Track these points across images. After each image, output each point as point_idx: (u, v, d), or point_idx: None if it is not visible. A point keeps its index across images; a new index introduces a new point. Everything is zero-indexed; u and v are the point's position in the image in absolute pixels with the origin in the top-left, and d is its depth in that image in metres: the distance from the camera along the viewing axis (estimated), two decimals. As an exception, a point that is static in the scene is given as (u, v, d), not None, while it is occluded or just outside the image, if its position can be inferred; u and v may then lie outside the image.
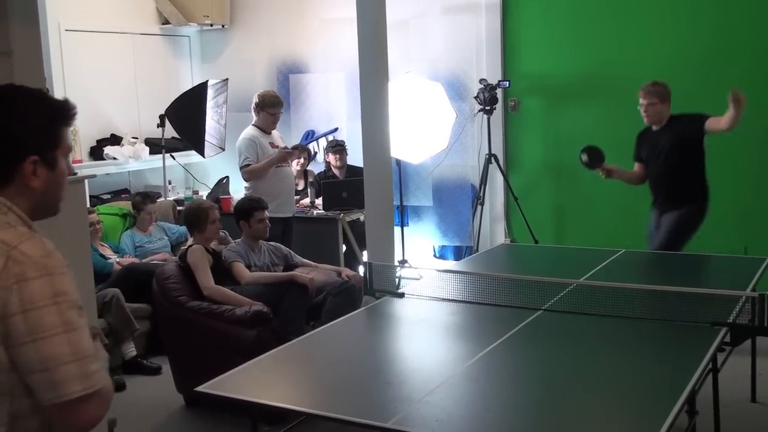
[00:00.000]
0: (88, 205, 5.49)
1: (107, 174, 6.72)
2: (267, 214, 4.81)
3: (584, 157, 5.04)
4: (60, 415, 1.47)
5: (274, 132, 5.88)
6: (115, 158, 6.71)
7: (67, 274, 1.51)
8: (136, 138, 7.00)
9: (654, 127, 5.04)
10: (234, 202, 6.37)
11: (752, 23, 5.66)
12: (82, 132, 6.64)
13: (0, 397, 1.47)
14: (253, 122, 5.76)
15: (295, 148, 6.14)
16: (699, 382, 2.65)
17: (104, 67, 6.93)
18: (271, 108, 5.68)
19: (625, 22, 6.08)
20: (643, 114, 5.03)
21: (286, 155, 5.67)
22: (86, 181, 4.61)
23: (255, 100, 5.74)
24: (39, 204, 1.61)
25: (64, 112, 1.62)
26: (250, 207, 4.81)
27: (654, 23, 5.98)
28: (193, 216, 4.68)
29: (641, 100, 5.01)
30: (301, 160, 6.50)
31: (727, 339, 3.00)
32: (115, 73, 7.04)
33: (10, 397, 1.48)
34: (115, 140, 6.88)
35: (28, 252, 1.47)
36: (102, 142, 6.82)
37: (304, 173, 6.67)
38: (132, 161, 6.81)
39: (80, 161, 6.46)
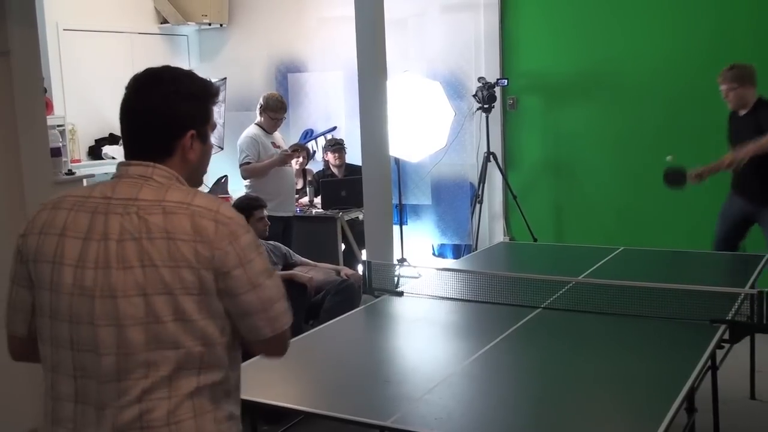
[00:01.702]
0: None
1: (106, 173, 6.69)
2: (266, 212, 4.80)
3: (671, 183, 4.89)
4: (273, 345, 1.72)
5: (277, 132, 5.89)
6: (113, 158, 6.70)
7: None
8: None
9: (740, 112, 4.81)
10: (233, 201, 6.39)
11: (752, 21, 5.66)
12: (81, 131, 6.64)
13: (217, 345, 1.62)
14: (256, 121, 5.77)
15: (294, 147, 6.14)
16: (698, 380, 2.65)
17: (102, 67, 6.93)
18: (273, 112, 5.69)
19: (623, 20, 6.08)
20: (725, 98, 4.84)
21: (286, 158, 5.67)
22: (84, 180, 4.61)
23: (260, 101, 5.75)
24: (191, 176, 1.74)
25: (212, 90, 1.76)
26: (249, 206, 4.81)
27: (652, 21, 5.97)
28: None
29: (720, 86, 4.83)
30: (300, 159, 6.50)
31: (726, 336, 3.01)
32: (113, 73, 7.02)
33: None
34: (113, 140, 6.88)
35: (229, 213, 1.62)
36: (100, 142, 6.82)
37: (303, 172, 6.67)
38: (130, 160, 6.80)
39: (78, 161, 6.47)
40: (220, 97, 6.90)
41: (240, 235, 1.60)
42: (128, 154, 1.69)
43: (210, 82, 1.77)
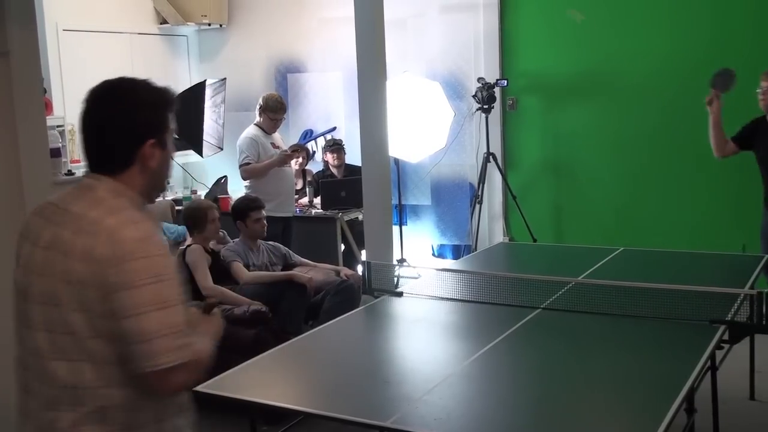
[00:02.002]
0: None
1: (105, 174, 6.71)
2: (264, 213, 4.80)
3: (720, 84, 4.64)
4: (152, 383, 1.63)
5: (276, 133, 5.89)
6: (113, 158, 6.69)
7: (165, 256, 1.66)
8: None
9: (763, 107, 4.56)
10: (233, 202, 6.38)
11: (750, 21, 5.66)
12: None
13: (108, 366, 1.62)
14: (255, 122, 5.77)
15: (294, 148, 6.13)
16: (697, 380, 2.65)
17: (102, 67, 6.91)
18: (272, 113, 5.69)
19: (622, 20, 6.08)
20: (762, 100, 4.53)
21: (286, 158, 5.67)
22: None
23: (260, 101, 5.75)
24: (153, 182, 1.77)
25: (169, 97, 1.78)
26: (246, 207, 4.82)
27: (652, 21, 5.98)
28: (193, 216, 4.69)
29: (763, 83, 4.52)
30: (300, 160, 6.50)
31: (726, 337, 3.01)
32: (112, 73, 6.86)
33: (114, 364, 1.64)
34: (113, 140, 6.87)
35: (132, 235, 1.61)
36: (100, 142, 6.81)
37: (303, 173, 6.67)
38: (129, 161, 6.80)
39: (78, 161, 6.45)
40: (219, 98, 6.90)
41: (134, 258, 1.58)
42: (88, 165, 1.75)
43: (167, 89, 1.78)
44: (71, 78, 6.58)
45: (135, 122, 1.70)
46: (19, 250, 1.73)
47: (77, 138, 6.53)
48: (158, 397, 1.69)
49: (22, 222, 1.78)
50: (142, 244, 1.61)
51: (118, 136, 1.70)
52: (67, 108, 6.50)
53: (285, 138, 6.51)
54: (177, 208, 6.41)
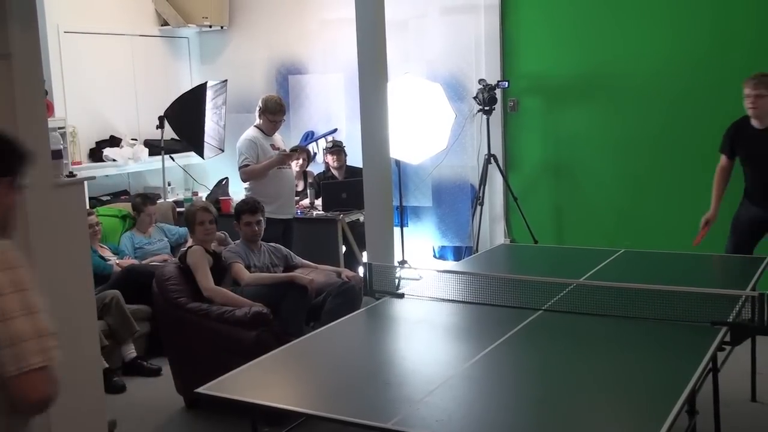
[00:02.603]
0: (88, 207, 5.49)
1: (106, 176, 6.72)
2: (259, 218, 4.77)
3: None
4: (21, 386, 1.69)
5: (276, 134, 5.89)
6: (114, 160, 6.71)
7: (25, 268, 1.77)
8: (136, 139, 7.00)
9: (755, 123, 4.68)
10: (234, 203, 6.38)
11: (751, 23, 5.66)
12: (81, 134, 6.64)
13: None
14: (255, 123, 5.77)
15: (294, 149, 6.13)
16: (699, 382, 2.65)
17: (103, 69, 6.93)
18: (272, 114, 5.69)
19: (623, 22, 6.08)
20: (749, 107, 4.65)
21: (285, 158, 5.67)
22: (86, 182, 4.61)
23: (259, 104, 5.74)
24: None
25: (14, 149, 1.93)
26: (239, 209, 4.83)
27: (653, 23, 5.98)
28: (185, 218, 4.82)
29: (747, 91, 4.64)
30: (300, 161, 6.50)
31: (727, 338, 3.00)
32: (114, 75, 7.04)
33: None
34: (114, 142, 6.89)
35: None
36: (101, 144, 6.82)
37: (304, 174, 6.67)
38: (131, 163, 6.81)
39: (79, 163, 6.46)
40: (220, 99, 6.90)
41: None
42: None
43: (16, 144, 1.93)
44: (72, 80, 6.58)
45: None
46: None
47: (78, 139, 6.55)
48: (27, 403, 1.73)
49: (23, 224, 1.86)
50: (1, 256, 1.73)
51: None
52: (69, 110, 6.50)
53: (286, 140, 6.51)
54: (178, 209, 6.42)
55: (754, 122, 4.69)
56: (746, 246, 4.79)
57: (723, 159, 4.88)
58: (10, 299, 1.69)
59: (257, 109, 5.75)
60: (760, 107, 4.62)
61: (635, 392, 2.54)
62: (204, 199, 6.70)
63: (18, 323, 1.68)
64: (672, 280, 3.51)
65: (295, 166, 6.24)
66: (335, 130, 7.21)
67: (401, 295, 3.69)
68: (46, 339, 1.72)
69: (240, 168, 5.62)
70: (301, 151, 6.47)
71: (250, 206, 4.79)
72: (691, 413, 2.68)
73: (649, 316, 3.15)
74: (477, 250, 6.33)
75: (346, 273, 4.87)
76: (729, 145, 4.83)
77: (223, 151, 7.01)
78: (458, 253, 6.84)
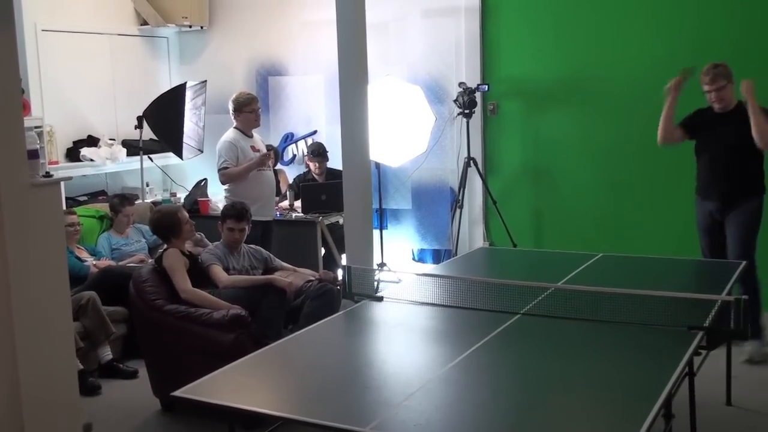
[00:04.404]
0: (64, 207, 5.43)
1: (84, 176, 6.66)
2: (244, 226, 4.72)
3: None
4: None
5: (256, 135, 5.86)
6: (91, 160, 6.65)
7: None
8: (114, 139, 6.95)
9: (717, 108, 4.72)
10: (212, 205, 6.36)
11: (732, 28, 5.71)
12: (59, 133, 6.58)
13: None
14: (234, 125, 5.73)
15: (269, 147, 6.10)
16: (675, 386, 2.67)
17: (81, 68, 6.87)
18: (248, 107, 5.66)
19: (604, 27, 6.12)
20: (714, 100, 4.69)
21: (264, 159, 5.65)
22: (62, 183, 4.56)
23: (231, 106, 5.70)
24: None
25: None
26: (226, 213, 4.80)
27: (633, 28, 6.02)
28: (166, 226, 4.64)
29: (707, 87, 4.67)
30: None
31: (704, 343, 3.03)
32: (92, 74, 6.98)
33: None
34: (91, 141, 6.83)
35: None
36: (78, 144, 6.77)
37: (274, 173, 6.63)
38: (109, 163, 6.76)
39: (56, 163, 6.41)
40: (200, 100, 6.87)
41: None
42: None
43: None
44: (50, 79, 6.52)
45: None
46: None
47: (55, 139, 6.49)
48: None
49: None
50: None
51: None
52: (46, 109, 6.45)
53: (265, 141, 6.48)
54: (156, 210, 6.38)
55: (717, 108, 4.74)
56: (718, 246, 4.81)
57: (678, 131, 4.89)
58: None
59: (231, 111, 5.71)
60: (725, 98, 4.67)
61: (612, 396, 2.55)
62: (182, 200, 6.65)
63: None
64: (650, 285, 3.53)
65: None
66: (315, 132, 7.20)
67: (380, 298, 3.68)
68: None
69: (219, 170, 5.59)
70: (268, 149, 6.39)
71: (237, 212, 4.74)
72: (668, 417, 2.69)
73: (627, 321, 3.16)
74: (456, 254, 6.35)
75: (322, 273, 4.87)
76: (693, 124, 4.85)
77: (202, 151, 6.97)
78: (437, 256, 6.85)
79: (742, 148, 4.64)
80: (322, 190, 6.18)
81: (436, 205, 6.87)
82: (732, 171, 4.69)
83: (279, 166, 6.85)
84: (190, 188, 6.98)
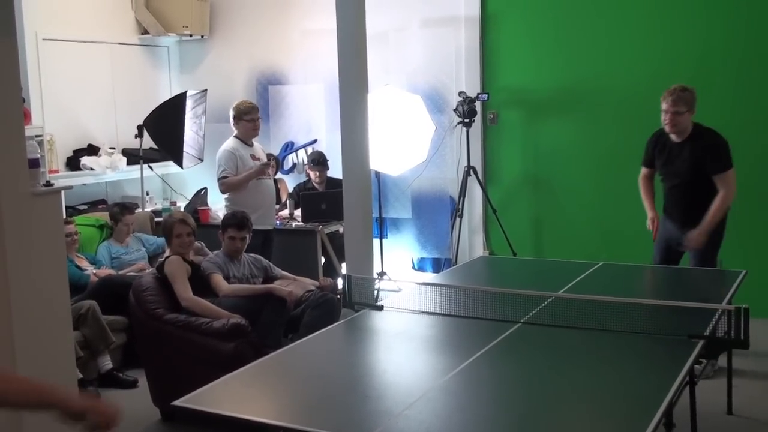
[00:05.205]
0: (65, 216, 5.44)
1: (84, 185, 6.66)
2: (245, 234, 4.73)
3: None
4: None
5: (256, 144, 5.87)
6: (92, 169, 6.65)
7: None
8: (114, 148, 6.95)
9: (674, 137, 4.64)
10: (212, 214, 6.36)
11: (730, 40, 5.73)
12: (59, 142, 6.59)
13: None
14: (234, 134, 5.74)
15: (269, 156, 6.11)
16: (676, 395, 2.66)
17: (82, 77, 6.89)
18: (247, 115, 5.67)
19: (604, 36, 6.14)
20: (667, 123, 4.57)
21: (264, 168, 5.65)
22: (63, 191, 4.57)
23: (231, 113, 5.72)
24: None
25: None
26: (226, 222, 4.80)
27: (634, 37, 6.04)
28: (164, 229, 4.79)
29: (666, 106, 4.55)
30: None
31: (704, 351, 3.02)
32: (92, 83, 6.99)
33: None
34: (92, 150, 6.83)
35: None
36: (79, 153, 6.77)
37: (275, 182, 6.64)
38: (109, 172, 6.76)
39: (57, 171, 6.41)
40: (200, 109, 6.88)
41: None
42: None
43: None
44: (50, 88, 6.54)
45: None
46: None
47: (56, 148, 6.49)
48: None
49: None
50: None
51: None
52: (46, 118, 6.45)
53: (265, 150, 6.49)
54: (156, 219, 6.38)
55: (673, 137, 4.66)
56: (670, 263, 4.80)
57: (643, 170, 4.92)
58: None
59: (231, 119, 5.72)
60: (678, 124, 4.56)
61: (614, 405, 2.54)
62: (183, 209, 6.66)
63: None
64: (650, 294, 3.54)
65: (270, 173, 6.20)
66: (315, 141, 7.20)
67: (380, 308, 3.68)
68: None
69: (219, 180, 5.60)
70: (269, 158, 6.41)
71: (238, 221, 4.74)
72: (669, 426, 2.69)
73: (627, 329, 3.16)
74: (456, 262, 6.34)
75: (321, 280, 4.87)
76: (647, 157, 4.86)
77: (202, 160, 6.98)
78: (437, 265, 6.85)
79: (700, 175, 4.58)
80: (322, 199, 6.18)
81: (436, 214, 6.87)
82: (693, 198, 4.64)
83: (279, 175, 6.85)
84: (190, 197, 6.98)
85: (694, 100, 4.58)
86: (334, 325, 3.66)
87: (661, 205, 4.91)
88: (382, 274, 6.40)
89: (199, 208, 6.45)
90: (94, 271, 5.47)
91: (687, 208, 4.66)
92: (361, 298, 3.75)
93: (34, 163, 3.40)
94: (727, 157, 4.56)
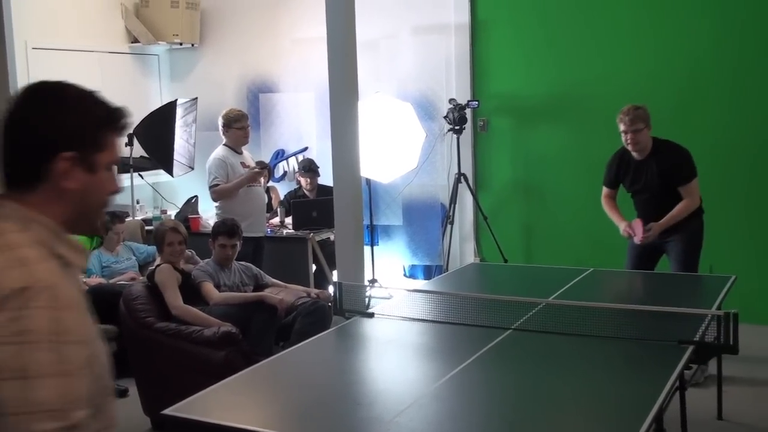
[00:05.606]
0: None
1: (74, 193, 6.63)
2: (235, 242, 4.73)
3: None
4: None
5: (246, 152, 5.86)
6: (81, 177, 6.62)
7: (54, 310, 1.27)
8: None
9: (636, 155, 4.70)
10: (203, 222, 6.34)
11: (720, 45, 5.76)
12: (49, 151, 6.56)
13: None
14: (223, 142, 5.74)
15: (262, 165, 6.10)
16: (667, 401, 2.67)
17: (72, 86, 6.86)
18: (237, 123, 5.68)
19: (594, 44, 6.16)
20: (629, 143, 4.63)
21: (255, 175, 5.65)
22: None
23: (220, 121, 5.73)
24: (76, 213, 1.40)
25: (111, 115, 1.44)
26: (217, 230, 4.80)
27: (624, 44, 6.07)
28: (155, 237, 4.80)
29: (624, 127, 4.61)
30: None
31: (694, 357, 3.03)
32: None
33: None
34: (82, 159, 6.81)
35: (7, 282, 1.27)
36: (69, 161, 6.75)
37: (267, 190, 6.63)
38: (99, 180, 6.73)
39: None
40: (190, 117, 6.87)
41: (6, 310, 1.24)
42: (2, 184, 1.41)
43: (116, 108, 1.46)
44: (40, 96, 6.51)
45: (48, 126, 1.36)
46: None
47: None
48: None
49: None
50: (19, 294, 1.25)
51: (26, 140, 1.36)
52: (36, 126, 6.43)
53: (256, 158, 6.48)
54: (147, 228, 6.37)
55: (635, 155, 4.70)
56: (643, 269, 4.80)
57: (606, 190, 4.95)
58: (41, 351, 1.23)
59: (220, 128, 5.72)
60: (640, 142, 4.61)
61: (604, 411, 2.55)
62: (173, 217, 6.64)
63: (40, 385, 1.22)
64: (640, 299, 3.55)
65: (263, 182, 6.21)
66: (306, 149, 7.21)
67: (371, 315, 3.68)
68: (47, 418, 1.23)
69: (210, 188, 5.59)
70: (261, 166, 6.40)
71: (228, 229, 4.74)
72: (659, 432, 2.70)
73: (618, 335, 3.17)
74: (447, 269, 6.35)
75: (312, 291, 4.87)
76: (611, 178, 4.90)
77: (192, 169, 6.97)
78: (428, 272, 6.85)
79: (669, 187, 4.64)
80: (313, 206, 6.18)
81: (426, 221, 6.88)
82: (665, 207, 4.66)
83: (271, 183, 6.85)
84: (180, 205, 6.97)
85: (649, 116, 4.64)
86: (325, 332, 3.66)
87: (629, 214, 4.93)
88: (373, 281, 6.40)
89: (189, 216, 6.44)
90: (85, 280, 5.45)
91: (660, 217, 4.67)
92: (352, 306, 3.75)
93: (24, 172, 3.39)
94: (690, 167, 4.65)
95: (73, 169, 1.37)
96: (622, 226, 4.81)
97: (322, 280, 6.07)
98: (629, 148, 4.69)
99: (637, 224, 4.69)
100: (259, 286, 4.80)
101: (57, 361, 1.25)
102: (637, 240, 4.67)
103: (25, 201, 1.36)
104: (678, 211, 4.63)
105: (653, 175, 4.65)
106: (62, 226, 1.40)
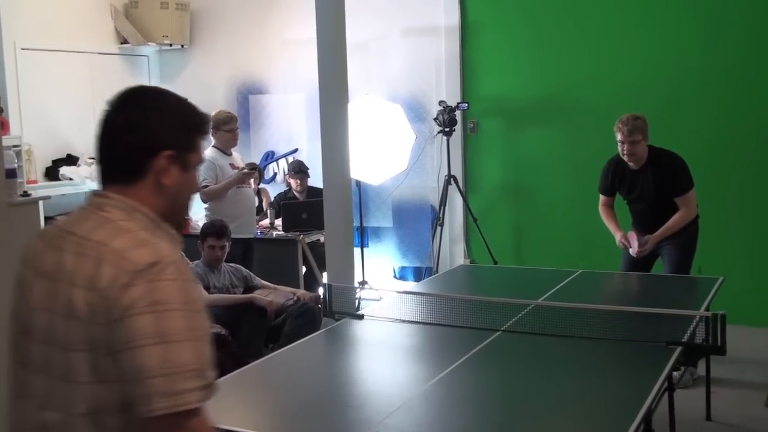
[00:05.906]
0: (42, 227, 5.39)
1: (63, 195, 6.60)
2: (224, 243, 4.72)
3: None
4: (164, 428, 1.39)
5: (235, 153, 5.85)
6: (71, 179, 6.61)
7: (179, 282, 1.41)
8: (93, 158, 6.89)
9: (632, 165, 4.64)
10: (193, 224, 6.33)
11: (710, 52, 5.79)
12: (38, 152, 6.55)
13: (109, 416, 1.43)
14: (212, 144, 5.73)
15: (252, 166, 6.10)
16: (655, 401, 2.68)
17: (61, 87, 6.85)
18: (225, 125, 5.67)
19: (584, 45, 6.18)
20: (626, 153, 4.57)
21: (244, 176, 5.64)
22: (41, 202, 4.54)
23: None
24: (170, 209, 1.57)
25: (201, 120, 1.62)
26: (205, 231, 4.79)
27: (613, 46, 6.08)
28: None
29: (621, 137, 4.54)
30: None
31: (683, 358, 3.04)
32: (71, 93, 6.96)
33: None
34: (71, 160, 6.79)
35: (140, 259, 1.40)
36: (58, 163, 6.73)
37: (258, 192, 6.63)
38: (89, 182, 6.71)
39: (35, 182, 6.36)
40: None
41: (136, 284, 1.38)
42: (99, 179, 1.57)
43: (202, 113, 1.63)
44: (29, 97, 6.50)
45: (152, 127, 1.52)
46: (21, 279, 1.55)
47: (34, 158, 6.45)
48: None
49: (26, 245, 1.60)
50: (150, 268, 1.39)
51: (129, 140, 1.52)
52: (24, 127, 6.41)
53: (246, 159, 6.48)
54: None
55: (631, 165, 4.66)
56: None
57: (603, 198, 4.93)
58: (143, 321, 1.35)
59: (209, 129, 5.70)
60: (636, 153, 4.56)
61: (593, 412, 2.56)
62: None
63: (148, 354, 1.35)
64: (629, 301, 3.56)
65: (254, 183, 6.21)
66: (296, 151, 7.20)
67: (361, 317, 3.68)
68: (185, 377, 1.38)
69: (200, 189, 5.57)
70: (251, 168, 6.39)
71: (216, 230, 4.74)
72: (648, 433, 2.70)
73: (607, 337, 3.18)
74: (437, 271, 6.35)
75: (300, 293, 4.86)
76: (607, 186, 4.87)
77: (182, 170, 6.94)
78: (418, 274, 6.86)
79: (666, 198, 4.62)
80: (303, 208, 6.18)
81: (416, 223, 6.88)
82: (662, 216, 4.66)
83: (261, 185, 6.84)
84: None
85: (647, 127, 4.60)
86: (314, 334, 3.65)
87: (602, 224, 4.94)
88: (363, 283, 6.40)
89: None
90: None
91: (657, 226, 4.67)
92: (341, 307, 3.75)
93: (12, 173, 3.38)
94: (687, 178, 4.63)
95: (171, 166, 1.53)
96: (617, 237, 4.80)
97: (312, 281, 6.06)
98: (625, 158, 4.64)
99: (633, 236, 4.68)
100: (249, 288, 4.79)
101: (190, 328, 1.40)
102: (633, 252, 4.66)
103: (127, 193, 1.52)
104: (674, 222, 4.61)
105: (649, 186, 4.62)
106: (159, 217, 1.55)
